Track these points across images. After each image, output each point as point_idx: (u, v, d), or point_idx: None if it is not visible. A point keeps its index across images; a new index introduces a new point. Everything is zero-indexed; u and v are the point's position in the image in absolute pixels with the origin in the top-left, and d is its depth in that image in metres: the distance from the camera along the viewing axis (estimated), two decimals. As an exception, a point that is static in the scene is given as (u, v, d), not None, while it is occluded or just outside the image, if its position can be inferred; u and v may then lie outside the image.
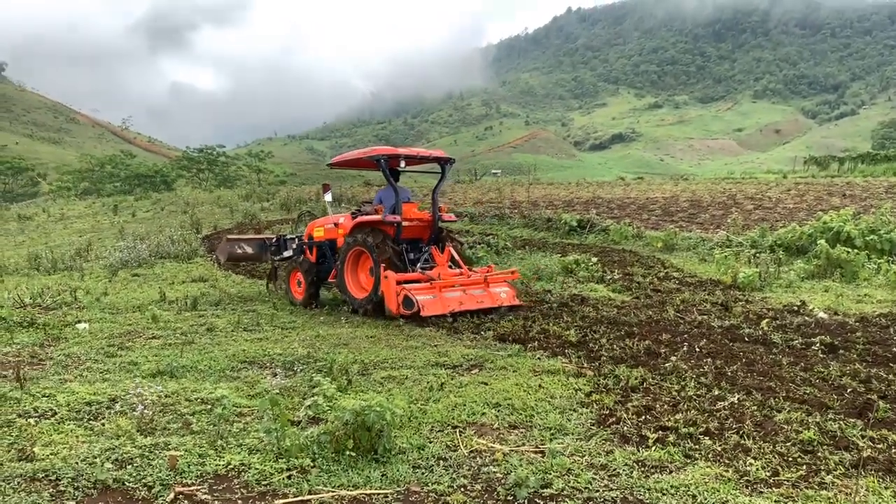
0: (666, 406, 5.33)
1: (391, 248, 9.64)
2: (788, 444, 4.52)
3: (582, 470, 4.11)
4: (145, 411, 4.90)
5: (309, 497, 3.79)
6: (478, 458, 4.35)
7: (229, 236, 13.45)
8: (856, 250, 13.10)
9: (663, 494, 3.82)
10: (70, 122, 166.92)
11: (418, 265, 10.08)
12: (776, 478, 4.02)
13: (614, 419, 5.04)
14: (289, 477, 4.02)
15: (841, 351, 7.23)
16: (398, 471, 4.10)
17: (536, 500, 3.80)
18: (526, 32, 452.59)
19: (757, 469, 4.10)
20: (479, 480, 4.02)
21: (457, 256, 10.22)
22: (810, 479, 4.00)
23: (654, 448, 4.45)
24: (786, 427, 4.83)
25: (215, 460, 4.22)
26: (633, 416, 5.09)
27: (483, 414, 5.20)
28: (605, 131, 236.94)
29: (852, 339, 7.76)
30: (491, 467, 4.19)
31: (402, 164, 10.32)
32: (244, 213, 27.92)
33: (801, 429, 4.77)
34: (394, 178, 10.40)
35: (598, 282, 12.60)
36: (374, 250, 9.58)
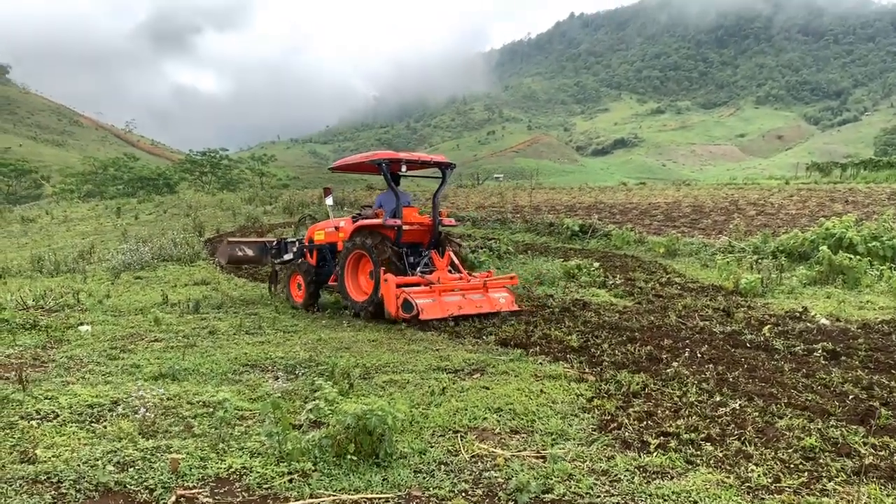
0: (667, 412, 5.32)
1: (391, 251, 9.68)
2: (790, 450, 4.51)
3: (583, 475, 4.11)
4: (147, 414, 4.90)
5: (310, 501, 3.79)
6: (479, 463, 4.35)
7: (230, 239, 13.49)
8: (858, 257, 13.09)
9: (665, 500, 3.81)
10: (73, 125, 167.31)
11: (418, 269, 10.11)
12: (778, 484, 4.01)
13: (616, 425, 5.04)
14: (290, 481, 4.02)
15: (843, 357, 7.22)
16: (399, 475, 4.10)
17: (538, 505, 3.79)
18: (529, 37, 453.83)
19: (758, 475, 4.10)
20: (481, 485, 4.02)
21: (456, 261, 10.25)
22: (812, 486, 3.99)
23: (655, 454, 4.45)
24: (787, 433, 4.82)
25: (217, 463, 4.22)
26: (635, 422, 5.08)
27: (484, 419, 5.20)
28: (607, 136, 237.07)
29: (854, 345, 7.75)
30: (492, 472, 4.19)
31: (404, 168, 10.36)
32: (247, 216, 27.97)
33: (802, 435, 4.76)
34: (395, 182, 10.43)
35: (599, 287, 12.60)
36: (375, 253, 9.61)
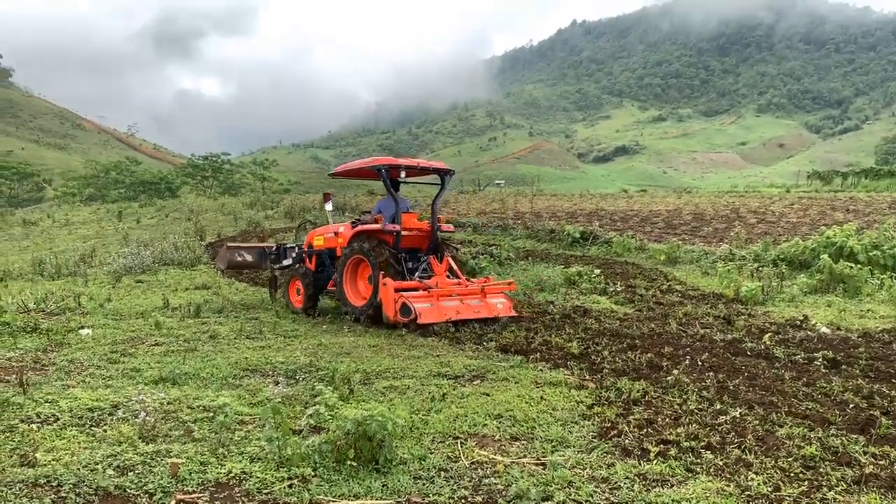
0: (668, 419, 5.32)
1: (390, 256, 9.73)
2: (790, 459, 4.51)
3: (583, 483, 4.10)
4: (147, 418, 4.90)
5: (310, 506, 3.79)
6: (479, 470, 4.35)
7: (229, 244, 13.53)
8: (859, 266, 13.09)
9: (664, 508, 3.81)
10: (76, 129, 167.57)
11: (416, 274, 10.16)
12: (778, 493, 4.01)
13: (616, 432, 5.04)
14: (290, 486, 4.02)
15: (843, 366, 7.22)
16: (399, 481, 4.09)
17: (537, 512, 3.79)
18: (531, 44, 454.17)
19: (758, 484, 4.10)
20: (480, 492, 4.02)
21: (454, 266, 10.29)
22: (812, 495, 3.99)
23: (655, 461, 4.45)
24: (788, 442, 4.82)
25: (217, 468, 4.22)
26: (635, 430, 5.08)
27: (484, 425, 5.20)
28: (608, 143, 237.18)
29: (855, 354, 7.75)
30: (492, 479, 4.19)
31: (403, 174, 10.46)
32: (248, 220, 27.98)
33: (803, 444, 4.76)
34: (394, 188, 10.50)
35: (600, 294, 12.61)
36: (373, 258, 9.65)
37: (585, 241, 20.44)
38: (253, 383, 6.41)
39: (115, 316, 10.21)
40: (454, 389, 6.20)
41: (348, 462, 4.17)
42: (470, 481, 4.16)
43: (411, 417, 5.25)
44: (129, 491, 3.88)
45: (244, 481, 4.07)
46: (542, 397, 5.94)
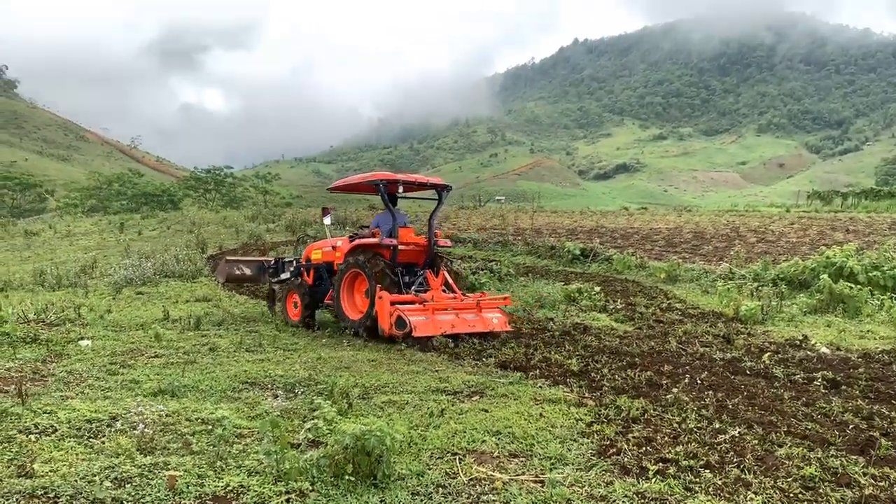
0: (667, 438, 5.31)
1: (387, 270, 9.77)
2: (790, 479, 4.50)
3: (581, 500, 4.09)
4: (145, 430, 4.90)
5: (307, 521, 3.78)
6: (477, 487, 4.34)
7: (228, 257, 13.58)
8: (859, 286, 13.10)
9: (663, 527, 3.80)
10: (79, 140, 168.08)
11: (413, 288, 10.23)
12: (776, 513, 3.99)
13: (615, 450, 5.03)
14: (287, 500, 4.01)
15: (843, 387, 7.21)
16: (397, 497, 4.08)
17: (535, 529, 3.78)
18: (532, 62, 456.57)
19: (757, 504, 4.08)
20: (479, 508, 4.01)
21: (450, 281, 10.33)
22: (811, 516, 3.98)
23: (654, 480, 4.43)
24: (787, 462, 4.81)
25: (214, 481, 4.21)
26: (634, 448, 5.07)
27: (483, 441, 5.19)
28: (609, 161, 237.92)
29: (855, 375, 7.74)
30: (490, 496, 4.18)
31: (401, 189, 10.63)
32: (249, 233, 28.02)
33: (802, 464, 4.75)
34: (392, 203, 10.60)
35: (600, 311, 12.61)
36: (371, 273, 9.70)
37: (586, 258, 20.45)
38: (252, 396, 6.40)
39: (115, 327, 10.20)
40: (453, 405, 6.19)
41: (346, 477, 4.16)
42: (468, 498, 4.15)
43: (410, 433, 5.24)
44: (126, 503, 3.87)
45: (242, 495, 4.06)
46: (541, 414, 5.93)
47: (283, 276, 12.24)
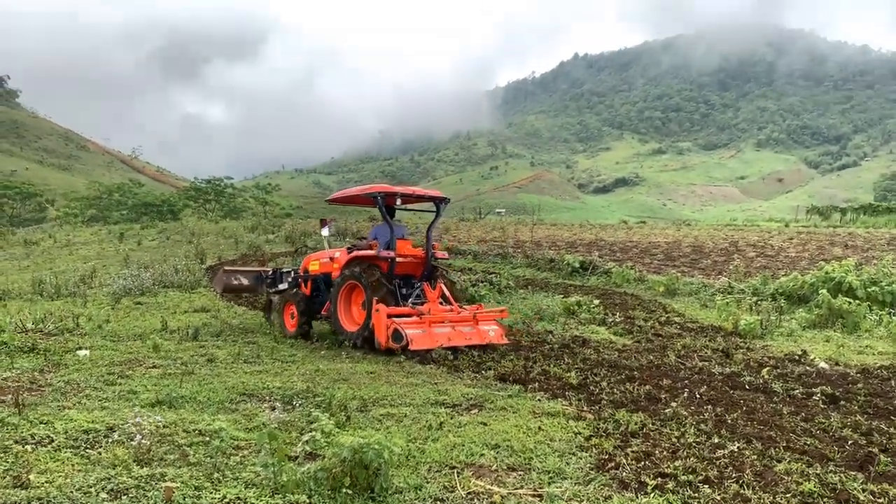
0: (665, 452, 5.30)
1: (384, 282, 9.79)
2: (788, 495, 4.48)
3: (580, 515, 4.07)
4: (143, 441, 4.88)
5: (304, 534, 3.76)
6: (475, 500, 4.32)
7: (226, 268, 13.57)
8: (857, 301, 13.10)
9: (661, 542, 3.78)
10: (80, 150, 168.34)
11: (410, 300, 10.23)
12: (775, 529, 3.98)
13: (613, 464, 5.01)
14: (284, 512, 3.99)
15: (842, 402, 7.20)
16: (395, 510, 4.07)
17: (533, 544, 3.76)
18: (533, 76, 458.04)
19: (756, 519, 4.07)
20: (476, 522, 3.99)
21: (447, 293, 10.33)
22: (810, 532, 3.96)
23: (652, 495, 4.42)
24: (786, 478, 4.79)
25: (211, 493, 4.19)
26: (633, 462, 5.06)
27: (482, 455, 5.17)
28: (608, 175, 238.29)
29: (854, 390, 7.73)
30: (488, 509, 4.16)
31: (399, 201, 10.66)
32: (249, 244, 28.03)
33: (801, 480, 4.74)
34: (390, 215, 10.63)
35: (599, 324, 12.60)
36: (368, 284, 9.71)
37: (585, 271, 20.46)
38: (249, 408, 6.38)
39: (114, 337, 10.19)
40: (452, 418, 6.18)
41: (344, 490, 4.15)
42: (466, 511, 4.13)
43: (408, 446, 5.22)
44: (122, 514, 3.85)
45: (239, 507, 4.04)
46: (539, 427, 5.92)
47: (281, 286, 12.24)
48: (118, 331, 10.81)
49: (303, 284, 11.63)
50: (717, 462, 5.10)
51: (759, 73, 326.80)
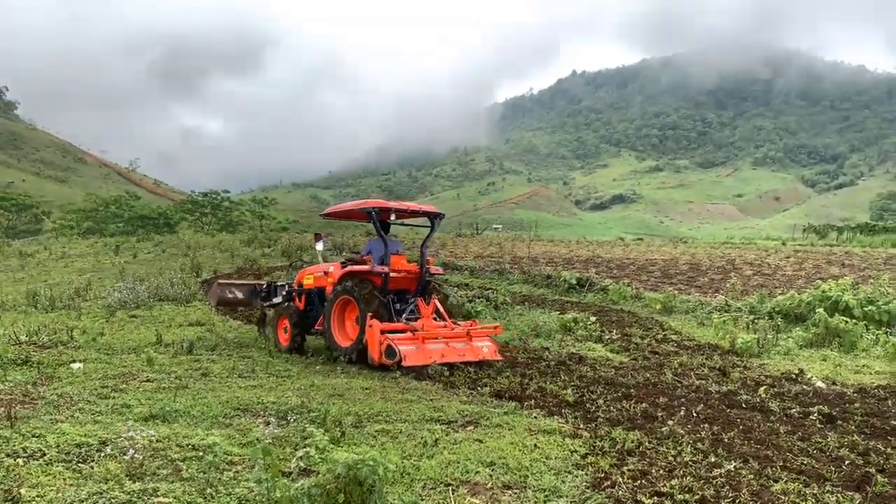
0: (662, 471, 5.27)
1: (378, 298, 9.77)
2: (785, 515, 4.45)
3: (575, 534, 4.04)
4: (135, 455, 4.84)
5: (297, 551, 3.72)
6: (470, 518, 4.28)
7: (220, 281, 13.55)
8: (854, 320, 13.09)
9: (657, 563, 3.75)
10: (78, 162, 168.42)
11: (403, 316, 10.19)
12: (772, 550, 3.95)
13: (609, 483, 4.98)
14: (277, 529, 3.95)
15: (839, 421, 7.18)
16: (389, 527, 4.03)
17: (528, 563, 3.72)
18: (531, 93, 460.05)
19: (753, 540, 4.04)
20: (471, 541, 3.95)
21: (441, 309, 10.31)
22: (807, 553, 3.93)
23: (649, 514, 4.39)
24: (783, 498, 4.77)
25: (204, 509, 4.15)
26: (629, 481, 5.03)
27: (477, 472, 5.14)
28: (605, 192, 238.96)
29: (851, 409, 7.71)
30: (483, 527, 4.12)
31: (393, 217, 10.66)
32: (245, 258, 27.99)
33: (798, 500, 4.71)
34: (384, 230, 10.62)
35: (596, 341, 12.58)
36: (361, 299, 9.68)
37: (582, 288, 20.45)
38: (243, 423, 6.34)
39: (108, 350, 10.14)
40: (447, 435, 6.15)
41: (338, 506, 4.11)
42: (460, 530, 4.09)
43: (403, 463, 5.19)
44: (113, 530, 3.81)
45: (231, 523, 4.00)
46: (535, 445, 5.89)
47: (275, 300, 12.22)
48: (112, 344, 10.77)
49: (297, 298, 11.62)
50: (714, 481, 5.07)
51: (757, 92, 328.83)
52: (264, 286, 12.79)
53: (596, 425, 6.68)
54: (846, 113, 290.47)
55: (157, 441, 5.44)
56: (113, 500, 4.17)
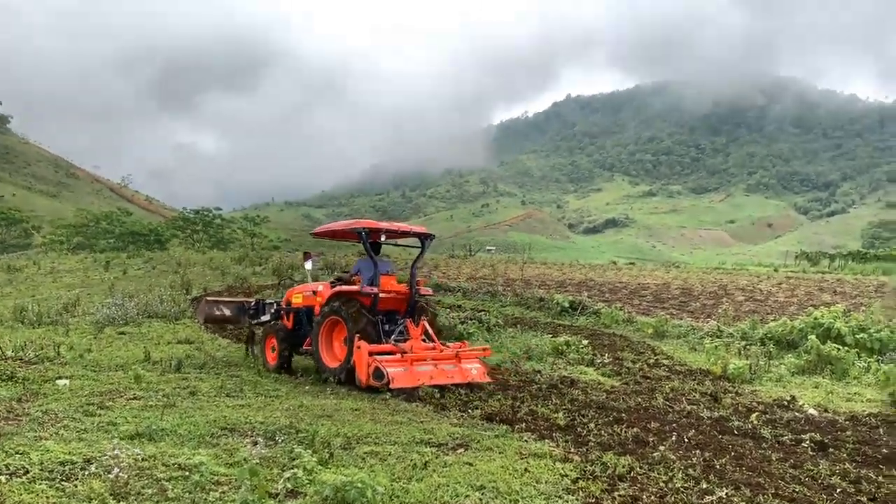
0: (653, 497, 5.22)
1: (367, 318, 9.71)
2: (777, 544, 4.41)
3: (565, 561, 3.98)
4: (120, 474, 4.77)
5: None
6: (459, 543, 4.22)
7: (208, 297, 13.48)
8: (846, 348, 13.11)
9: (648, 591, 3.69)
10: (70, 177, 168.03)
11: (392, 337, 10.12)
12: (765, 580, 3.90)
13: (600, 508, 4.93)
14: (262, 552, 3.88)
15: (831, 449, 7.15)
16: (376, 552, 3.96)
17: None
18: (526, 116, 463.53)
19: (745, 569, 3.99)
20: (459, 566, 3.89)
21: (430, 330, 10.25)
22: (800, 583, 3.88)
23: (640, 541, 4.34)
24: (775, 526, 4.72)
25: (188, 530, 4.08)
26: (620, 507, 4.97)
27: (467, 496, 5.08)
28: (599, 215, 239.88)
29: (842, 437, 7.69)
30: (472, 553, 4.06)
31: (383, 237, 10.66)
32: (235, 276, 27.88)
33: (790, 529, 4.66)
34: (375, 250, 10.59)
35: (588, 365, 12.54)
36: (349, 318, 9.62)
37: (574, 311, 20.43)
38: (231, 443, 6.27)
39: (95, 367, 10.04)
40: (437, 458, 6.08)
41: (324, 529, 4.05)
42: (449, 555, 4.03)
43: (392, 485, 5.13)
44: (94, 551, 3.73)
45: (215, 546, 3.93)
46: (526, 469, 5.83)
47: (263, 318, 12.15)
48: (100, 360, 10.67)
49: (285, 317, 11.54)
50: (706, 508, 5.02)
51: (750, 118, 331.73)
52: (253, 304, 12.72)
53: (587, 450, 6.63)
54: (838, 141, 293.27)
55: (142, 460, 5.37)
56: (95, 520, 4.09)
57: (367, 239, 10.45)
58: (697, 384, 11.06)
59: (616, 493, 5.27)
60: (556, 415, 7.99)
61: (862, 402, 10.37)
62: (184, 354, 11.56)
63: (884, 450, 7.20)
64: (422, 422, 7.55)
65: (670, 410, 8.91)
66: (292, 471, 4.90)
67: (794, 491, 5.60)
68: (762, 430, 7.83)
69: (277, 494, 4.81)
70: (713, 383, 11.26)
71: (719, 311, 20.02)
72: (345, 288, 10.19)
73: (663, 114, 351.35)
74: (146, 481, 4.91)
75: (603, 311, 19.58)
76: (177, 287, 23.03)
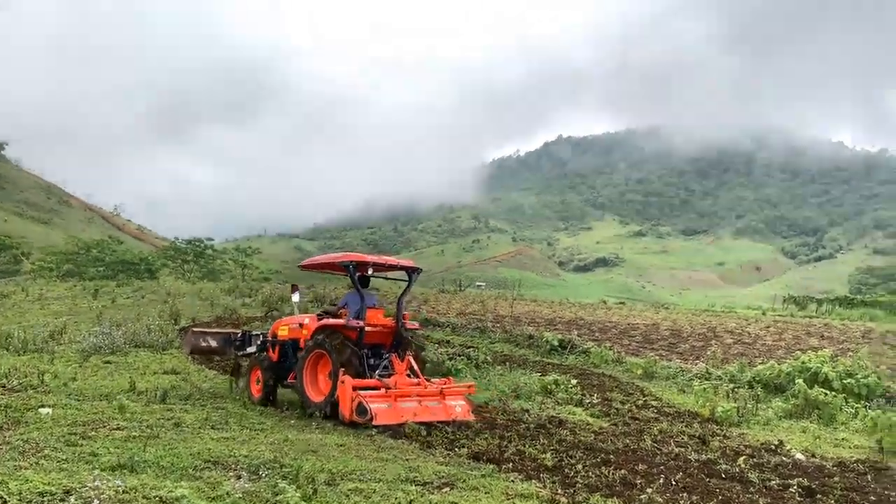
0: (640, 541, 5.17)
1: (351, 351, 9.66)
2: (764, 591, 4.37)
3: None
4: (100, 507, 4.69)
5: None
6: (443, 584, 4.16)
7: (195, 328, 13.40)
8: (833, 392, 13.13)
9: None
10: (62, 204, 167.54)
11: (377, 371, 10.05)
12: None
13: (586, 551, 4.88)
14: (243, 590, 3.81)
15: (818, 495, 7.12)
16: (358, 592, 3.90)
17: None
18: (518, 154, 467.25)
19: None
20: None
21: (415, 366, 10.20)
22: None
23: (626, 586, 4.29)
24: (762, 573, 4.68)
25: (167, 566, 4.01)
26: (606, 550, 4.92)
27: (451, 536, 5.01)
28: (589, 254, 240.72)
29: (830, 483, 7.67)
30: None
31: (370, 270, 10.67)
32: (225, 307, 27.72)
33: (777, 576, 4.62)
34: (363, 284, 10.60)
35: (576, 405, 12.49)
36: (333, 350, 9.57)
37: (563, 350, 20.39)
38: (214, 476, 6.18)
39: (79, 396, 9.92)
40: (422, 496, 6.02)
41: (306, 567, 3.98)
42: None
43: (376, 523, 5.06)
44: (70, 586, 3.66)
45: (195, 582, 3.86)
46: (512, 510, 5.77)
47: (249, 349, 12.07)
48: (84, 389, 10.54)
49: (271, 349, 11.47)
50: (693, 553, 4.98)
51: (739, 163, 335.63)
52: (239, 335, 12.64)
53: (574, 491, 6.57)
54: (826, 187, 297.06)
55: (123, 492, 5.28)
56: (73, 554, 4.01)
57: (355, 272, 10.47)
58: (686, 426, 11.02)
59: (602, 536, 5.21)
60: (543, 455, 7.94)
61: (850, 447, 10.36)
62: (169, 385, 11.45)
63: (872, 497, 7.18)
64: (407, 459, 7.48)
65: (658, 452, 8.86)
66: (275, 506, 4.84)
67: (781, 537, 5.56)
68: (750, 474, 7.80)
69: (260, 530, 4.74)
70: (701, 426, 11.23)
71: (708, 353, 20.03)
72: (330, 321, 10.17)
73: (653, 156, 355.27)
74: (126, 514, 4.83)
75: (592, 351, 19.56)
76: (165, 317, 22.87)
